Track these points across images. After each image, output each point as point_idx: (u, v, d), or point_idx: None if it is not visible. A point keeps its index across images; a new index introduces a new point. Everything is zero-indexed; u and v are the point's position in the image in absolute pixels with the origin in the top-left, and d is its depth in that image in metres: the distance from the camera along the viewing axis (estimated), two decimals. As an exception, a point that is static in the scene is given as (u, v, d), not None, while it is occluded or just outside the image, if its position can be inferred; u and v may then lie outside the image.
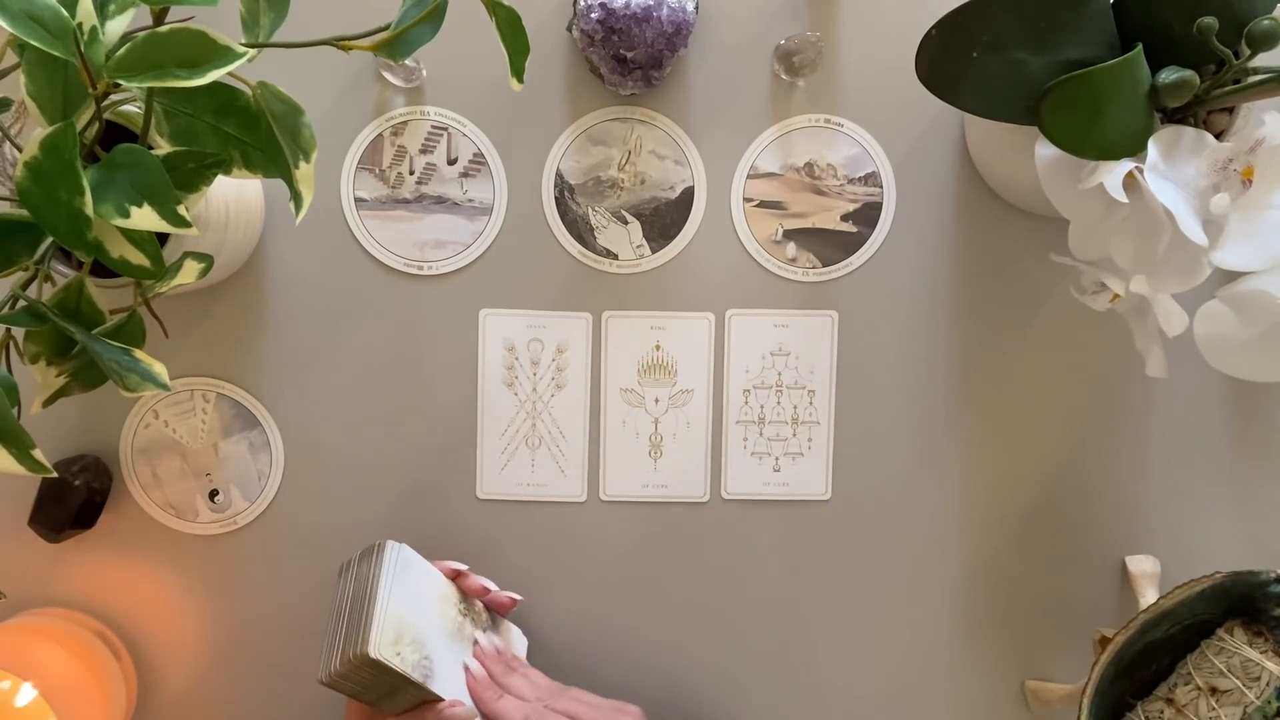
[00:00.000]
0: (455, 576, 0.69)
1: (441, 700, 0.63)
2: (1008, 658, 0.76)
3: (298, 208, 0.51)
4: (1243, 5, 0.55)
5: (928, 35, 0.58)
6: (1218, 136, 0.57)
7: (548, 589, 0.75)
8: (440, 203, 0.73)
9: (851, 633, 0.75)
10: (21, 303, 0.51)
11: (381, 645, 0.60)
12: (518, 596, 0.70)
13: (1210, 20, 0.54)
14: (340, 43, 0.51)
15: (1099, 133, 0.55)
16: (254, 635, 0.74)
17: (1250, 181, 0.55)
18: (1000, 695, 0.76)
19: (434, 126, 0.73)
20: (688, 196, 0.73)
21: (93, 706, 0.67)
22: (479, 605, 0.70)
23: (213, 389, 0.73)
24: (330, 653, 0.62)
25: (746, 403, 0.74)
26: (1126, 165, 0.55)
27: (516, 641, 0.71)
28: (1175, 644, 0.68)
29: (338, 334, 0.73)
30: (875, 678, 0.76)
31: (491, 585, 0.69)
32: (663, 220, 0.73)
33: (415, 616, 0.64)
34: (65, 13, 0.45)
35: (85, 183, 0.45)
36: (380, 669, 0.61)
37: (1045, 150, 0.57)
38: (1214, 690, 0.65)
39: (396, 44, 0.50)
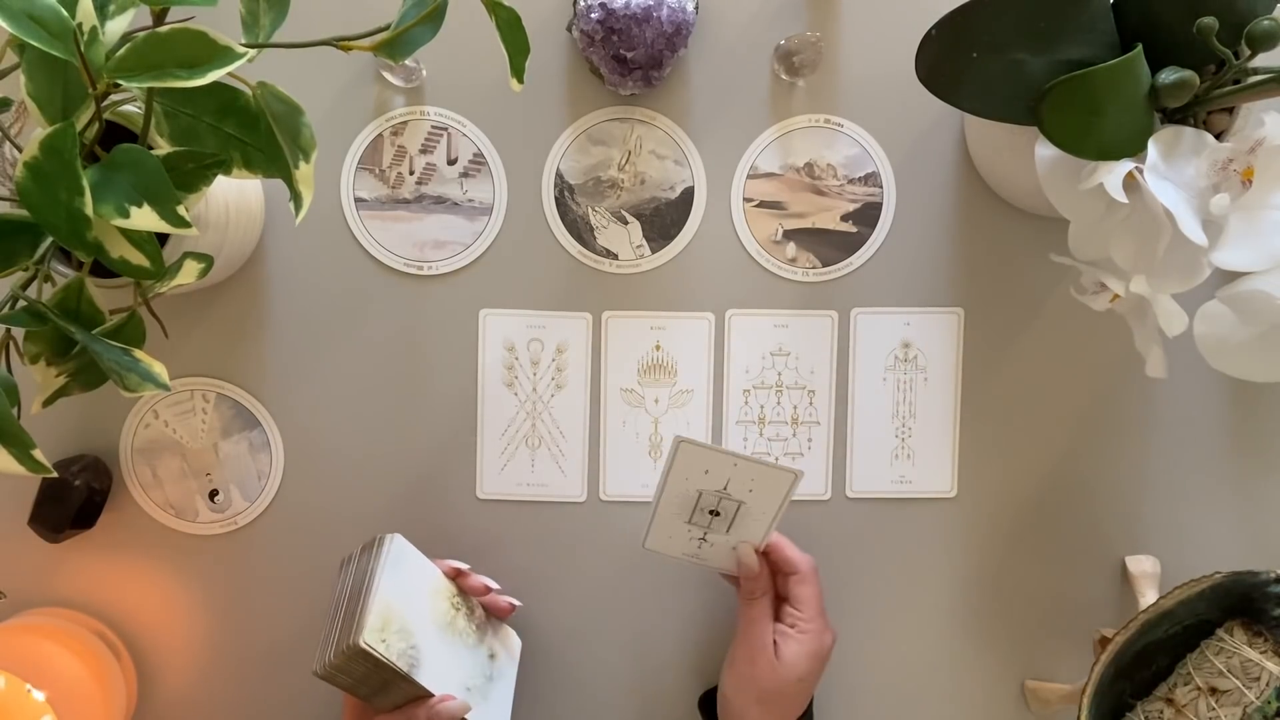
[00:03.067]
0: (456, 575, 0.69)
1: (432, 695, 0.63)
2: (1008, 658, 0.76)
3: (298, 208, 0.51)
4: (1243, 5, 0.55)
5: (928, 35, 0.58)
6: (1218, 136, 0.57)
7: (547, 589, 0.75)
8: (440, 203, 0.73)
9: (851, 633, 0.75)
10: (21, 303, 0.51)
11: (368, 632, 0.61)
12: (517, 602, 0.70)
13: (1210, 20, 0.54)
14: (340, 43, 0.51)
15: (1099, 133, 0.55)
16: (254, 635, 0.74)
17: (1250, 182, 0.55)
18: (1000, 695, 0.76)
19: (434, 126, 0.73)
20: (688, 196, 0.74)
21: (93, 706, 0.67)
22: (475, 604, 0.70)
23: (213, 389, 0.73)
24: (325, 645, 0.63)
25: (746, 403, 0.74)
26: (1126, 165, 0.55)
27: (511, 644, 0.71)
28: (1175, 644, 0.68)
29: (338, 334, 0.73)
30: (875, 677, 0.76)
31: (493, 584, 0.69)
32: (663, 220, 0.74)
33: (404, 606, 0.64)
34: (65, 13, 0.45)
35: (85, 183, 0.45)
36: (370, 660, 0.61)
37: (1045, 150, 0.57)
38: (1214, 690, 0.65)
39: (396, 44, 0.50)
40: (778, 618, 0.68)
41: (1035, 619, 0.75)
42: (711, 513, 0.67)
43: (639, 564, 0.75)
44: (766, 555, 0.69)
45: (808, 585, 0.68)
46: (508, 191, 0.73)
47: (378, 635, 0.61)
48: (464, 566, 0.69)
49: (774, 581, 0.69)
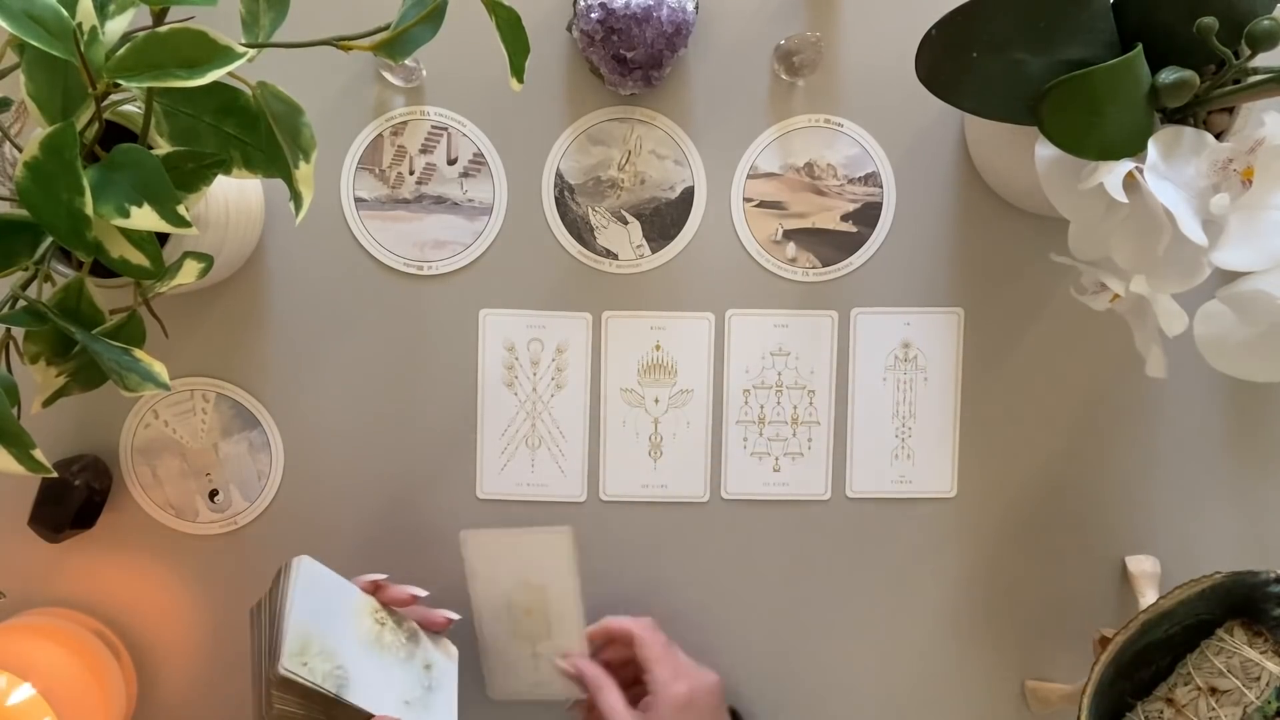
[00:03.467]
0: (375, 589, 0.67)
1: (371, 717, 0.61)
2: (1008, 658, 0.76)
3: (298, 208, 0.51)
4: (1243, 5, 0.55)
5: (928, 35, 0.58)
6: (1218, 136, 0.57)
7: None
8: (440, 203, 0.73)
9: (851, 633, 0.75)
10: (21, 303, 0.51)
11: (287, 658, 0.59)
12: (454, 616, 0.68)
13: (1210, 20, 0.54)
14: (340, 43, 0.51)
15: (1099, 133, 0.55)
16: (254, 635, 0.74)
17: (1250, 181, 0.55)
18: (1000, 695, 0.76)
19: (434, 126, 0.73)
20: (688, 196, 0.74)
21: (93, 706, 0.67)
22: (402, 616, 0.67)
23: (213, 389, 0.73)
24: (256, 699, 0.61)
25: (746, 403, 0.74)
26: (1126, 165, 0.55)
27: (448, 651, 0.69)
28: (1175, 644, 0.68)
29: (338, 334, 0.73)
30: (875, 678, 0.76)
31: (420, 592, 0.67)
32: (663, 220, 0.74)
33: (323, 628, 0.62)
34: (65, 13, 0.45)
35: (85, 183, 0.45)
36: (299, 690, 0.59)
37: (1045, 150, 0.57)
38: (1214, 690, 0.65)
39: (396, 44, 0.50)
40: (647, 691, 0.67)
41: (1035, 619, 0.75)
42: (526, 612, 0.68)
43: (639, 563, 0.75)
44: (606, 647, 0.70)
45: (647, 648, 0.67)
46: (508, 191, 0.73)
47: (298, 660, 0.59)
48: (382, 578, 0.67)
49: (629, 664, 0.69)
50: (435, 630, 0.68)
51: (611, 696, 0.67)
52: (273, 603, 0.63)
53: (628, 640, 0.68)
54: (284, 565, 0.64)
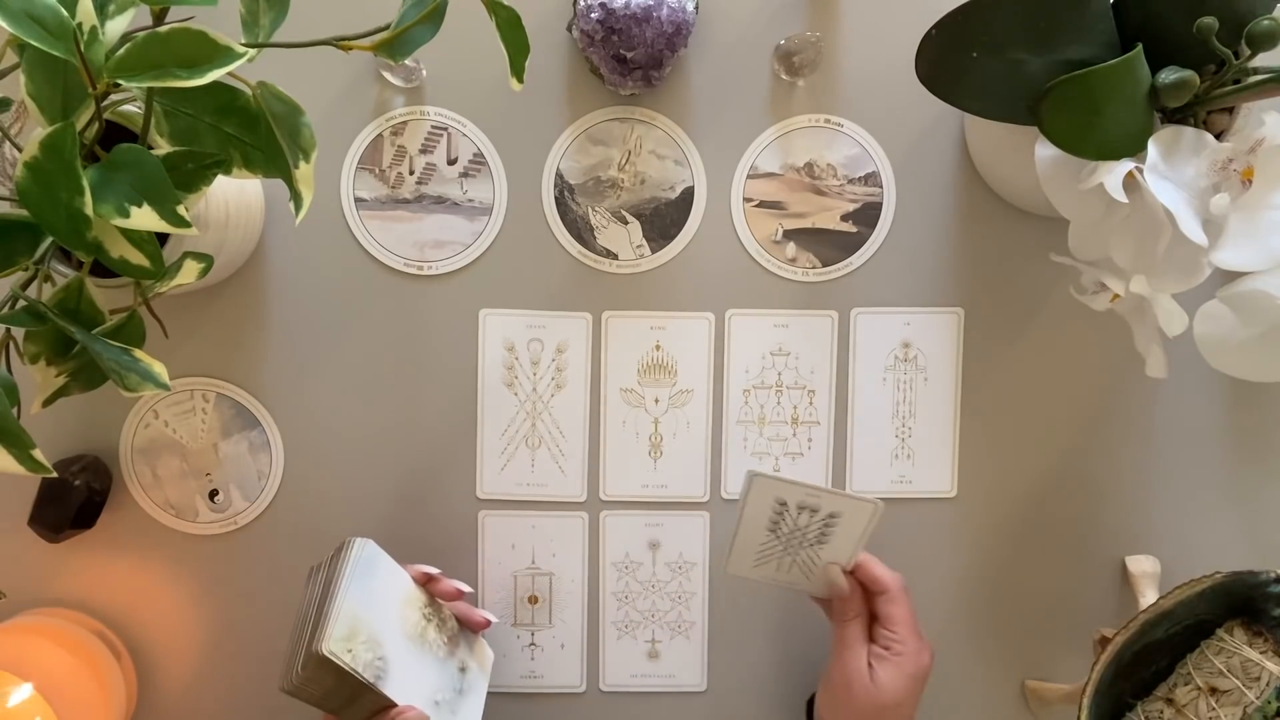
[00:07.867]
0: (427, 581, 0.67)
1: (395, 705, 0.61)
2: (1008, 658, 0.76)
3: (298, 208, 0.51)
4: (1243, 5, 0.55)
5: (928, 35, 0.58)
6: (1218, 136, 0.57)
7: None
8: (440, 203, 0.73)
9: (851, 633, 0.75)
10: (21, 303, 0.51)
11: (333, 641, 0.59)
12: (494, 618, 0.69)
13: (1210, 20, 0.54)
14: (340, 43, 0.51)
15: (1099, 133, 0.55)
16: (254, 635, 0.74)
17: (1250, 181, 0.55)
18: (1000, 695, 0.76)
19: (434, 126, 0.73)
20: (688, 196, 0.74)
21: (93, 706, 0.67)
22: (448, 615, 0.68)
23: (213, 389, 0.73)
24: (292, 660, 0.61)
25: (746, 403, 0.74)
26: (1126, 165, 0.55)
27: (484, 657, 0.70)
28: (1175, 644, 0.68)
29: (338, 334, 0.73)
30: (875, 678, 0.76)
31: (465, 588, 0.68)
32: (663, 220, 0.74)
33: (373, 615, 0.62)
34: (65, 13, 0.45)
35: (85, 183, 0.45)
36: (335, 671, 0.59)
37: (1045, 150, 0.57)
38: (1214, 690, 0.65)
39: (396, 44, 0.50)
40: (871, 638, 0.66)
41: (1035, 619, 0.75)
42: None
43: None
44: (854, 574, 0.67)
45: (899, 605, 0.66)
46: (508, 191, 0.73)
47: (343, 645, 0.60)
48: (434, 571, 0.68)
49: (866, 602, 0.67)
50: (475, 630, 0.69)
51: (857, 634, 0.66)
52: (330, 573, 0.64)
53: (878, 589, 0.66)
54: (346, 541, 0.65)
